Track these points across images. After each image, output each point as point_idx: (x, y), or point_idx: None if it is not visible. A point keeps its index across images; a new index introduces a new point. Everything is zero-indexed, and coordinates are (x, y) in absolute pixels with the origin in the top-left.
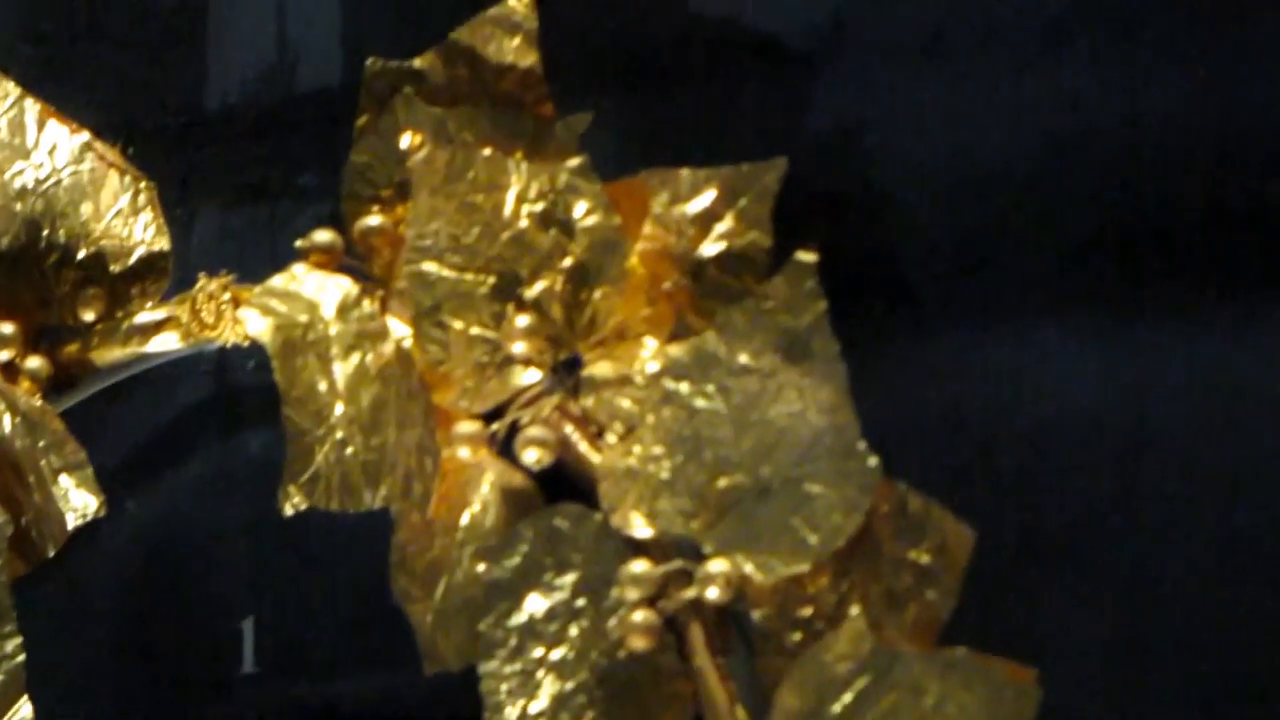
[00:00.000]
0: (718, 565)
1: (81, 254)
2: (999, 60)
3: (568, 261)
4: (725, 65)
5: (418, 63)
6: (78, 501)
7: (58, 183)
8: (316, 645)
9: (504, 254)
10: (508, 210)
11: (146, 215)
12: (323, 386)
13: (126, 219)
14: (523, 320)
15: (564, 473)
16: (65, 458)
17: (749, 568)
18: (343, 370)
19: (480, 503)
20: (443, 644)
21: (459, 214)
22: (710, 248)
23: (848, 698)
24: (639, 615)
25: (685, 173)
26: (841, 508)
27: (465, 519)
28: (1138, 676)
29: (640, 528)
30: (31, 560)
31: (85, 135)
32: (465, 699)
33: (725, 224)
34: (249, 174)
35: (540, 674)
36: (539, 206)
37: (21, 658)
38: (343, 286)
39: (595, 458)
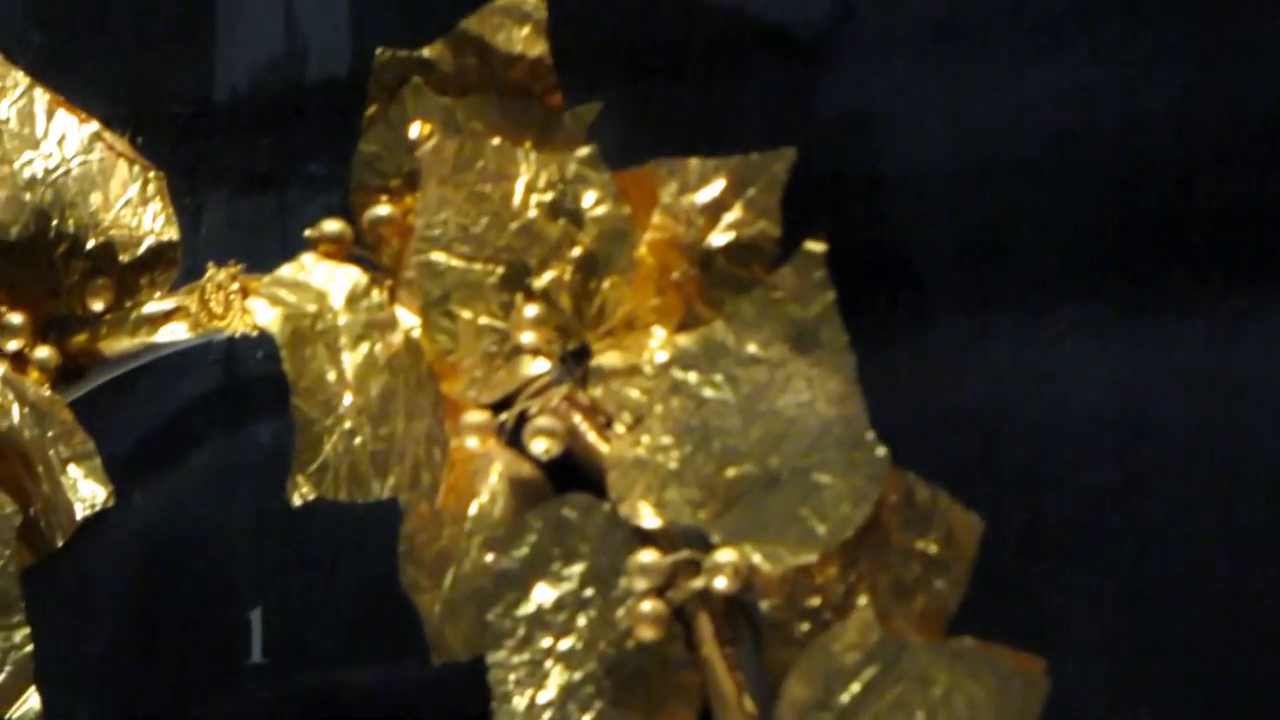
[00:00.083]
0: (726, 555)
1: (90, 244)
2: (1006, 51)
3: (576, 251)
4: (734, 56)
5: (427, 52)
6: (86, 492)
7: (67, 172)
8: (324, 635)
9: (513, 244)
10: (516, 200)
11: (155, 205)
12: (331, 376)
13: (135, 209)
14: (531, 310)
15: (572, 463)
16: (74, 448)
17: (757, 558)
18: (351, 360)
19: (489, 493)
20: (451, 634)
21: (468, 204)
22: (719, 237)
23: (855, 688)
24: (647, 605)
25: (694, 162)
26: (850, 498)
27: (473, 509)
28: (1139, 671)
29: (648, 518)
30: (40, 550)
31: (94, 125)
32: (473, 689)
33: (734, 214)
34: (258, 164)
35: (548, 664)
36: (548, 196)
37: (29, 648)
38: (351, 276)
39: (603, 448)
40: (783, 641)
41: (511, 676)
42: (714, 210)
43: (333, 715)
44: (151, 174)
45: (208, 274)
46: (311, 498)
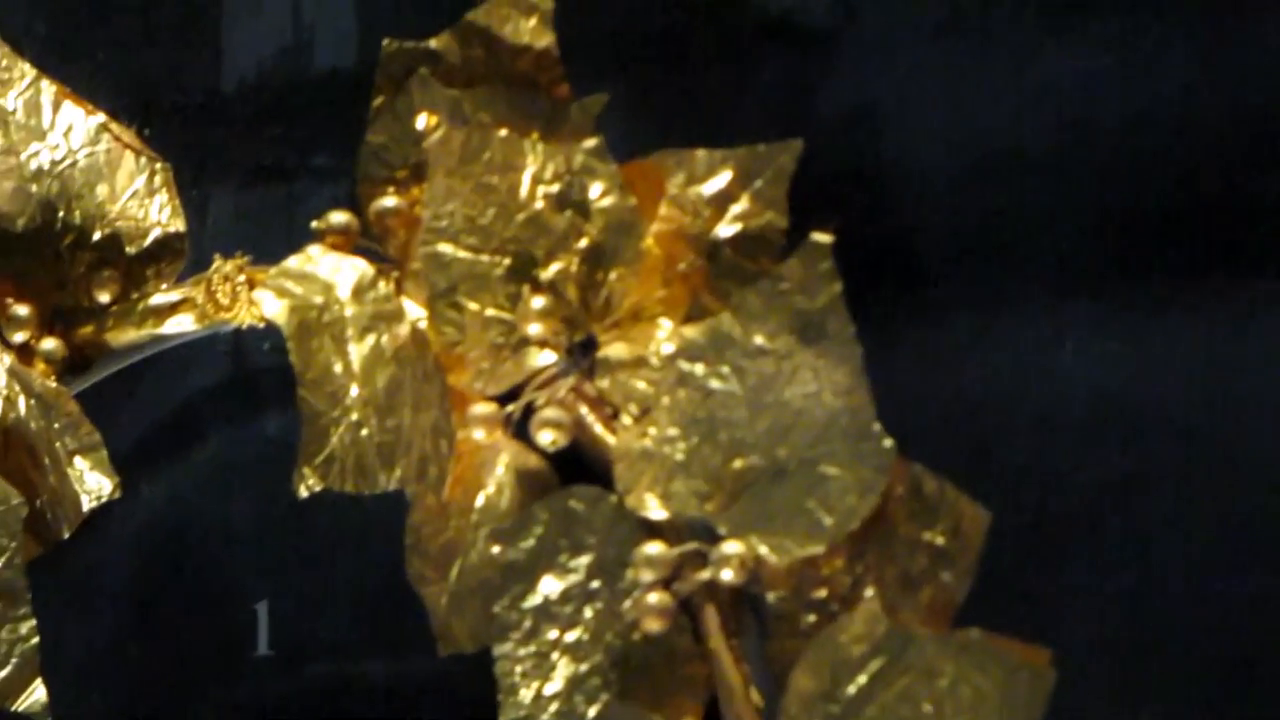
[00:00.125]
0: (732, 547)
1: (97, 235)
2: (1012, 42)
3: (583, 243)
4: (740, 46)
5: (434, 43)
6: (93, 483)
7: (73, 164)
8: (331, 628)
9: (519, 235)
10: (523, 191)
11: (162, 196)
12: (338, 368)
13: (142, 200)
14: (538, 302)
15: (579, 454)
16: (80, 439)
17: (764, 549)
18: (358, 352)
19: (495, 484)
20: (457, 626)
21: (474, 195)
22: (726, 229)
23: (862, 679)
24: (654, 597)
25: (701, 154)
26: (857, 489)
27: (480, 501)
28: (1145, 663)
29: (655, 509)
30: (46, 542)
31: (101, 116)
32: (479, 681)
33: (741, 205)
34: (265, 155)
35: (555, 656)
36: (554, 187)
37: (36, 640)
38: (358, 268)
39: (610, 439)
40: (789, 633)
41: (518, 668)
42: (721, 201)
43: (339, 707)
44: (158, 165)
45: (214, 265)
46: (318, 489)
